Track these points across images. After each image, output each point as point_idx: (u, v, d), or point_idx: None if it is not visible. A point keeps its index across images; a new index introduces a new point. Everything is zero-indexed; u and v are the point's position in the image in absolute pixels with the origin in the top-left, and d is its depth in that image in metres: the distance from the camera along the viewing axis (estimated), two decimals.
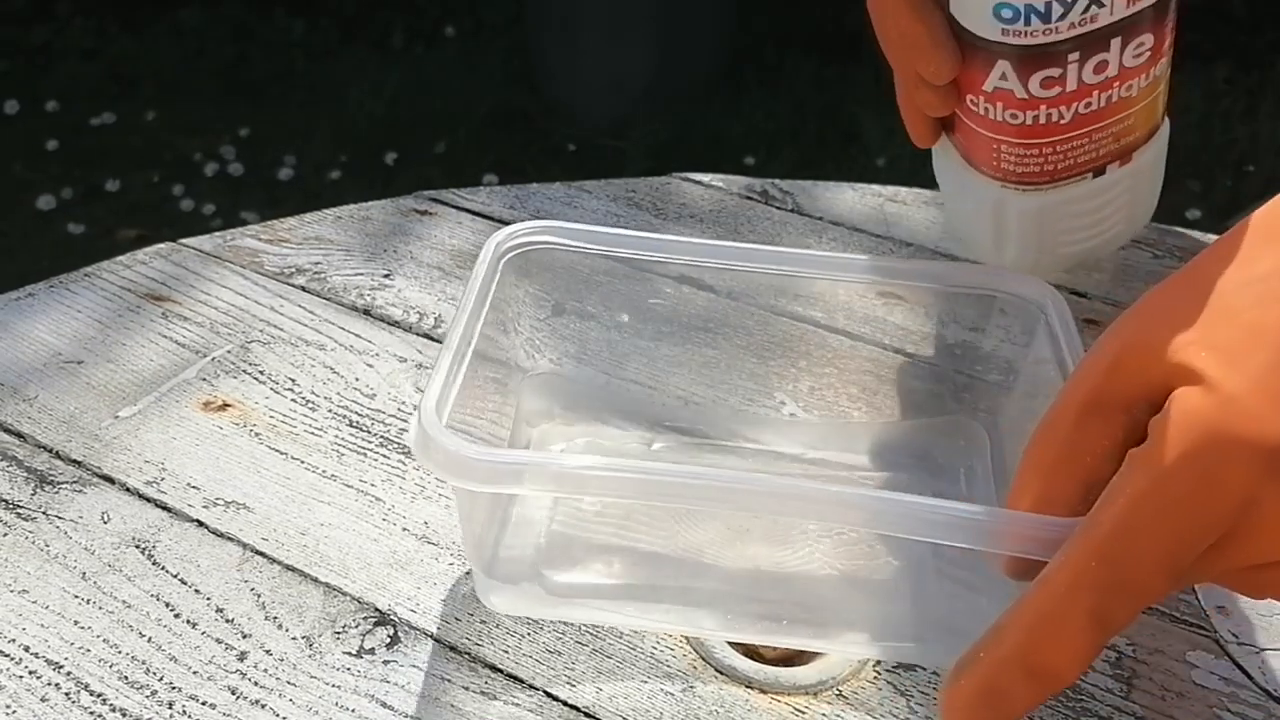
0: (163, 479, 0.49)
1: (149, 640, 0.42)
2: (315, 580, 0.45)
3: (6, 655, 0.42)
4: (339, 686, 0.41)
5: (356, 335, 0.57)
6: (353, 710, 0.40)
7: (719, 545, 0.45)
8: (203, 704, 0.40)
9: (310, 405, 0.53)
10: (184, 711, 0.40)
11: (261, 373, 0.55)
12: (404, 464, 0.50)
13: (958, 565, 0.44)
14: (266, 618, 0.43)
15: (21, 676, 0.41)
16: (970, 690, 0.35)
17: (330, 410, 0.53)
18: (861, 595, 0.44)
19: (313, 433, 0.51)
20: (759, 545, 0.45)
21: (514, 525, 0.45)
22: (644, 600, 0.44)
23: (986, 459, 0.50)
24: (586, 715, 0.40)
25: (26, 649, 0.42)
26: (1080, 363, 0.37)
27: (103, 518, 0.47)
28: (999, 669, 0.34)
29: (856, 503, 0.38)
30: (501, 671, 0.42)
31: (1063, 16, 0.48)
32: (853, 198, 0.70)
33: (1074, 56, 0.49)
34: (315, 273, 0.62)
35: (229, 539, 0.46)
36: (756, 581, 0.45)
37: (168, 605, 0.44)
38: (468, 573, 0.45)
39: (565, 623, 0.43)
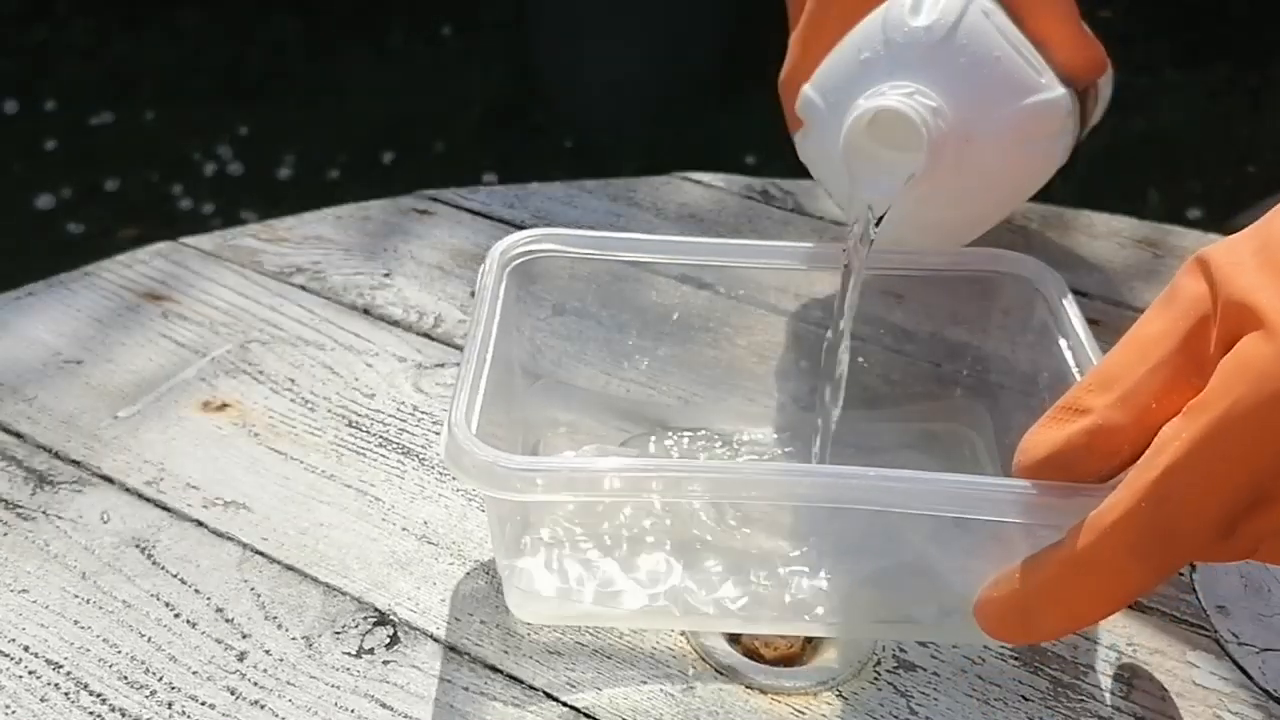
0: (162, 479, 0.49)
1: (148, 640, 0.42)
2: (315, 580, 0.45)
3: (6, 655, 0.41)
4: (338, 686, 0.41)
5: (356, 335, 0.57)
6: (352, 710, 0.40)
7: (735, 537, 0.45)
8: (202, 704, 0.40)
9: (309, 405, 0.53)
10: (183, 711, 0.40)
11: (261, 372, 0.55)
12: (403, 464, 0.50)
13: (972, 539, 0.44)
14: (266, 617, 0.43)
15: (21, 676, 0.41)
16: (1001, 605, 0.36)
17: (329, 410, 0.53)
18: (881, 578, 0.44)
19: (312, 432, 0.51)
20: (775, 535, 0.45)
21: (537, 531, 0.45)
22: (671, 599, 0.44)
23: (990, 437, 0.50)
24: (586, 715, 0.40)
25: (26, 649, 0.42)
26: (1153, 304, 0.37)
27: (102, 517, 0.47)
28: (1031, 595, 0.35)
29: (906, 487, 0.38)
30: (501, 672, 0.42)
31: None
32: None
33: None
34: (315, 272, 0.62)
35: (228, 539, 0.46)
36: (779, 571, 0.45)
37: (167, 605, 0.43)
38: (469, 573, 0.45)
39: (586, 628, 0.43)
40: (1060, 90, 0.50)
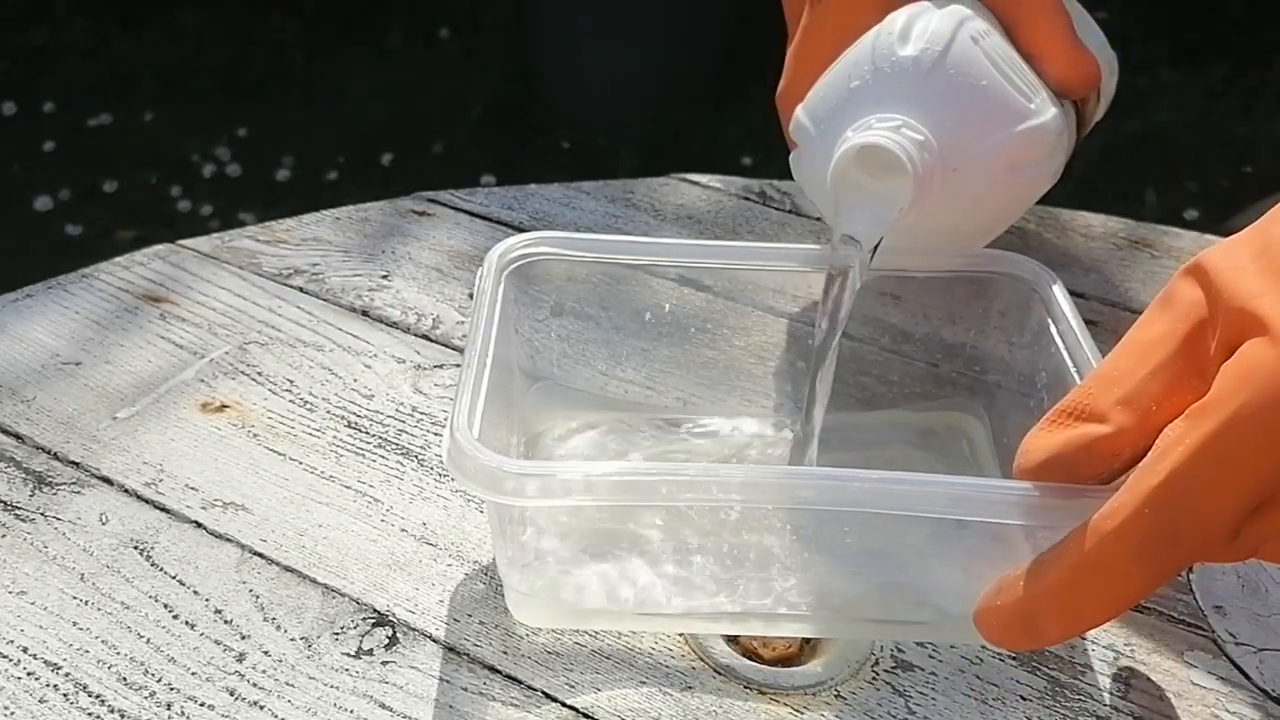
0: (161, 480, 0.49)
1: (147, 641, 0.42)
2: (314, 581, 0.45)
3: (5, 656, 0.42)
4: (337, 687, 0.41)
5: (354, 336, 0.57)
6: (351, 711, 0.40)
7: (735, 540, 0.45)
8: (201, 705, 0.40)
9: (308, 406, 0.53)
10: (182, 712, 0.40)
11: (259, 374, 0.55)
12: (402, 465, 0.50)
13: (972, 540, 0.44)
14: (265, 619, 0.43)
15: (20, 678, 0.41)
16: (1005, 613, 0.36)
17: (328, 411, 0.53)
18: (880, 579, 0.44)
19: (311, 434, 0.51)
20: (774, 537, 0.45)
21: (537, 533, 0.45)
22: (670, 602, 0.44)
23: (987, 437, 0.51)
24: (585, 715, 0.40)
25: (25, 650, 0.42)
26: (1150, 307, 0.37)
27: (101, 519, 0.47)
28: (1035, 602, 0.35)
29: (907, 490, 0.38)
30: (500, 672, 0.42)
31: None
32: None
33: None
34: (313, 274, 0.62)
35: (227, 540, 0.46)
36: (778, 573, 0.45)
37: (166, 606, 0.44)
38: (468, 574, 0.45)
39: (585, 629, 0.43)
40: (1051, 113, 0.50)
